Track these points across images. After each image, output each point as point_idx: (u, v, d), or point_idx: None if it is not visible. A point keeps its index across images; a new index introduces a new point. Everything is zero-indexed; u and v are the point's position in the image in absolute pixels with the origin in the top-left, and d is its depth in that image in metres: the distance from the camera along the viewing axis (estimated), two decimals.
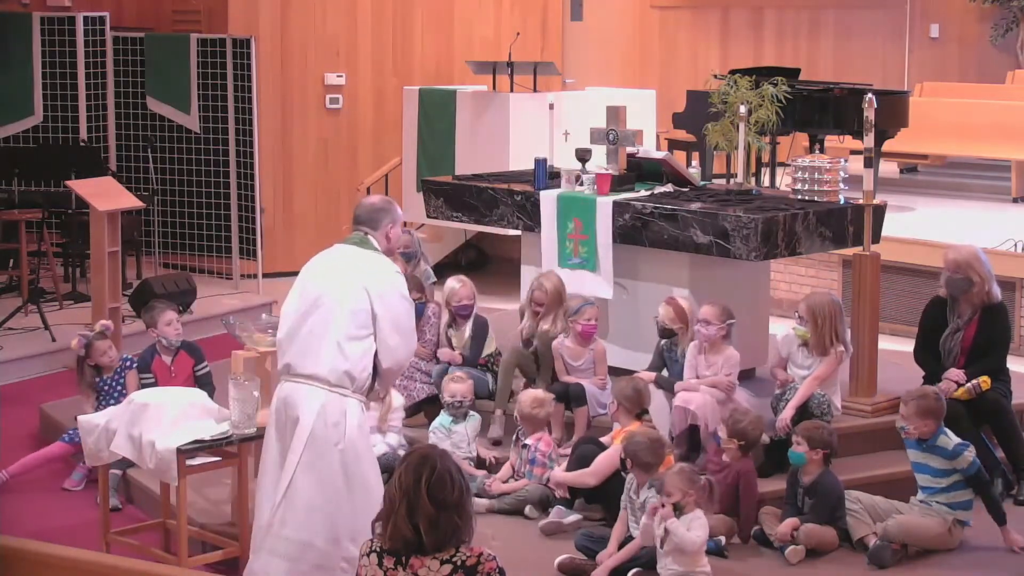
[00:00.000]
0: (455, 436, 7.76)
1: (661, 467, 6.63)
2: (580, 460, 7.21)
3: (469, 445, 7.79)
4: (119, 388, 8.09)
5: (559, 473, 7.26)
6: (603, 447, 7.22)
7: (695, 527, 6.25)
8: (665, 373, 7.81)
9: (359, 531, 5.79)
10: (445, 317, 8.34)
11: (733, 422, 7.03)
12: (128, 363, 8.26)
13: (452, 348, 8.40)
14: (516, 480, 7.50)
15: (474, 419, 7.88)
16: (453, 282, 8.34)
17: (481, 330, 8.33)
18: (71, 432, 7.96)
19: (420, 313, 8.43)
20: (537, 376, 8.07)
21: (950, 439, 6.88)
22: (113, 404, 7.88)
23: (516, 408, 7.62)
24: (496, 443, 7.93)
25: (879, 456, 7.70)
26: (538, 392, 7.64)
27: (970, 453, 6.85)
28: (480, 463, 7.78)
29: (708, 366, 7.56)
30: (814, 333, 7.54)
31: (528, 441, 7.51)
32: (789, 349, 7.74)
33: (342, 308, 5.86)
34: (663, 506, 6.28)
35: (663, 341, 7.86)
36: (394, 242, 6.15)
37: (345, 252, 6.06)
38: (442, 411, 7.90)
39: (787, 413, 7.38)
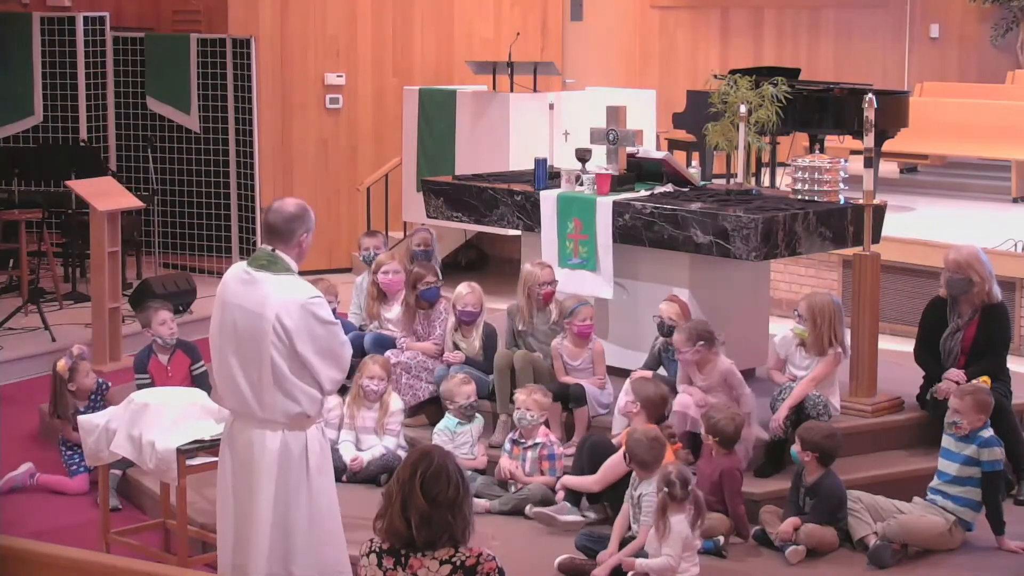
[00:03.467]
0: (460, 438, 7.75)
1: (666, 459, 6.66)
2: (591, 451, 7.20)
3: (472, 448, 7.77)
4: (99, 409, 8.14)
5: (564, 477, 7.28)
6: (610, 444, 7.23)
7: (670, 543, 6.28)
8: (662, 372, 7.81)
9: (338, 559, 5.71)
10: (451, 321, 8.30)
11: (707, 417, 7.04)
12: (104, 387, 8.31)
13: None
14: (513, 487, 7.50)
15: (478, 420, 7.88)
16: (463, 287, 8.25)
17: (492, 340, 8.29)
18: (79, 460, 7.96)
19: (434, 298, 8.40)
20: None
21: (989, 431, 6.90)
22: None
23: (518, 400, 7.60)
24: (497, 447, 7.91)
25: (879, 456, 7.69)
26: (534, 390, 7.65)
27: (1001, 450, 6.88)
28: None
29: (704, 379, 7.52)
30: (812, 332, 7.53)
31: (539, 439, 7.50)
32: (787, 350, 7.73)
33: (271, 355, 5.45)
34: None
35: (659, 341, 7.86)
36: (306, 249, 5.66)
37: (256, 280, 5.55)
38: (446, 414, 7.87)
39: (780, 413, 7.38)
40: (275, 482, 5.55)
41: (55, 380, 8.21)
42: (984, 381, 7.51)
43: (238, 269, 5.67)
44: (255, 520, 5.58)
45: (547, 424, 7.64)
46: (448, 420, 7.82)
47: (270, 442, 5.54)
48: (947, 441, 6.99)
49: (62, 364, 8.14)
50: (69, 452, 8.10)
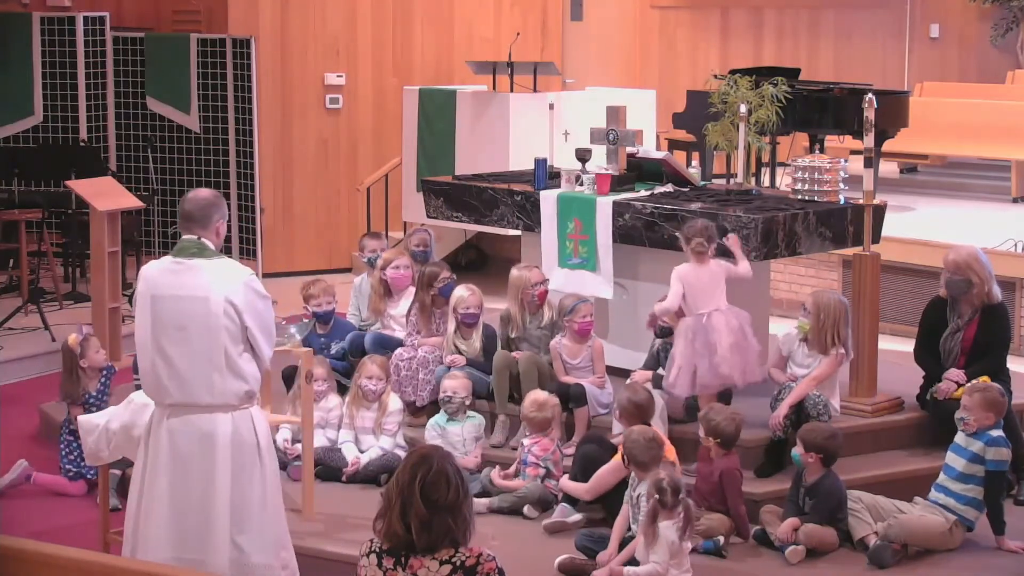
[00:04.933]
0: (451, 436, 7.72)
1: (664, 457, 6.66)
2: (583, 460, 7.20)
3: (464, 445, 7.73)
4: (105, 398, 8.13)
5: (562, 480, 7.28)
6: (607, 446, 7.23)
7: (657, 550, 6.26)
8: (661, 372, 7.81)
9: (282, 533, 5.85)
10: (452, 325, 8.26)
11: (707, 419, 7.03)
12: (112, 371, 8.31)
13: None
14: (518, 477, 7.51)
15: (472, 421, 7.85)
16: (462, 290, 8.23)
17: (492, 341, 8.27)
18: (79, 464, 7.95)
19: (451, 293, 8.36)
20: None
21: (999, 432, 6.88)
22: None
23: (520, 409, 7.61)
24: (497, 447, 7.90)
25: (879, 456, 7.69)
26: (539, 394, 7.60)
27: (1008, 451, 6.86)
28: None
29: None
30: (814, 327, 7.51)
31: (524, 441, 7.51)
32: (790, 348, 7.72)
33: (219, 334, 5.61)
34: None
35: (657, 342, 7.85)
36: (221, 237, 5.88)
37: (192, 267, 5.73)
38: (441, 410, 7.88)
39: (781, 411, 7.37)
40: (231, 465, 5.66)
41: (66, 357, 8.20)
42: (984, 381, 7.52)
43: (164, 262, 5.84)
44: (214, 507, 5.65)
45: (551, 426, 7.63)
46: (439, 416, 7.83)
47: (221, 426, 5.66)
48: (958, 437, 6.98)
49: (73, 338, 8.15)
50: (69, 451, 8.07)
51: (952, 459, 6.95)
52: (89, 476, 7.88)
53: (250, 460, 5.71)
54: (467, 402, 7.83)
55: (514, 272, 8.22)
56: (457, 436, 7.75)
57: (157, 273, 5.80)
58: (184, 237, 5.84)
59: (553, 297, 8.23)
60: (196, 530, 5.68)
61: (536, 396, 7.56)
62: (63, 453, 8.12)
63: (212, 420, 5.66)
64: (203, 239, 5.80)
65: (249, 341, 5.69)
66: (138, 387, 7.81)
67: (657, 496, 6.27)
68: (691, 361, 7.49)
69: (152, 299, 5.74)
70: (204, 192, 5.98)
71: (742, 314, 7.63)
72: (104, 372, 8.23)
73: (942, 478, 6.98)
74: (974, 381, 7.23)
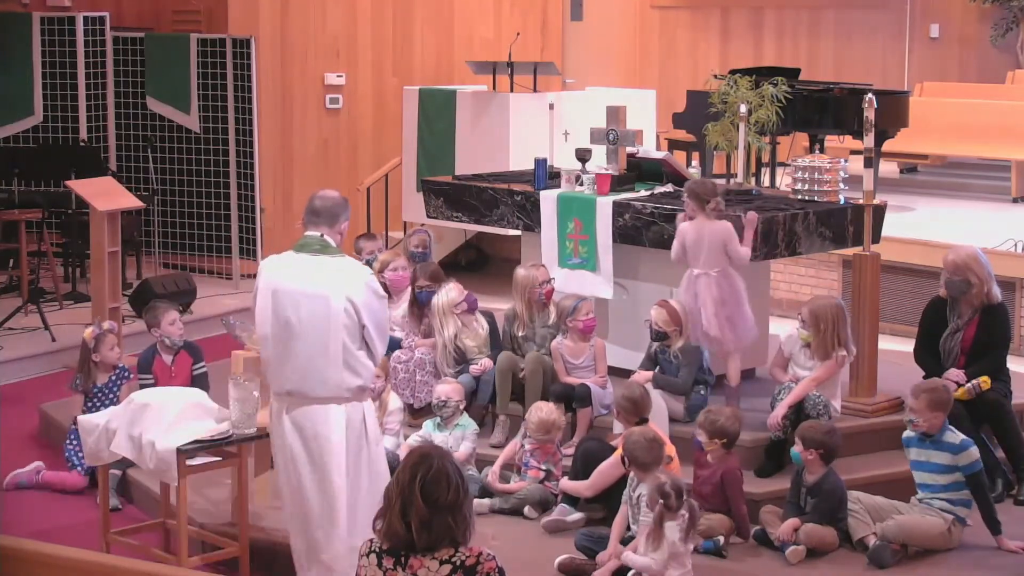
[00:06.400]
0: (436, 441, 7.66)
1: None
2: (584, 457, 7.20)
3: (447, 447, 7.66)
4: (112, 396, 8.09)
5: (562, 481, 7.28)
6: (607, 445, 7.23)
7: (660, 549, 6.25)
8: (659, 372, 7.81)
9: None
10: (451, 328, 8.18)
11: (710, 422, 7.02)
12: (125, 373, 8.26)
13: (466, 354, 8.15)
14: (517, 477, 7.50)
15: (461, 428, 7.72)
16: (450, 291, 8.17)
17: (494, 323, 8.27)
18: (80, 461, 7.94)
19: (426, 301, 8.34)
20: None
21: (956, 435, 6.88)
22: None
23: (525, 423, 7.57)
24: (497, 447, 7.89)
25: (879, 456, 7.69)
26: (546, 415, 7.45)
27: (975, 451, 6.86)
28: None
29: None
30: (816, 338, 7.51)
31: (525, 445, 7.50)
32: (792, 349, 7.72)
33: (338, 329, 5.80)
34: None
35: (654, 344, 7.84)
36: (344, 237, 6.04)
37: (314, 263, 5.90)
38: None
39: (779, 411, 7.37)
40: (345, 455, 5.86)
41: (82, 349, 8.23)
42: (984, 381, 7.53)
43: (286, 257, 5.99)
44: (331, 494, 5.88)
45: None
46: (429, 424, 7.80)
47: (335, 418, 5.86)
48: (913, 452, 6.96)
49: (89, 332, 8.18)
50: (75, 445, 8.06)
51: (922, 476, 6.92)
52: (81, 467, 7.89)
53: (358, 451, 5.91)
54: (460, 407, 7.79)
55: (520, 271, 8.21)
56: (443, 443, 7.63)
57: (277, 268, 5.97)
58: (307, 233, 5.97)
59: (556, 296, 8.23)
60: (319, 518, 5.90)
61: (542, 417, 7.43)
62: (69, 452, 8.10)
63: (326, 411, 5.86)
64: (326, 236, 5.92)
65: (364, 338, 5.86)
66: (142, 387, 7.85)
67: (662, 500, 6.25)
68: (693, 313, 7.68)
69: (273, 293, 5.90)
70: (333, 192, 6.11)
71: (733, 284, 7.65)
72: (116, 371, 8.22)
73: (922, 494, 6.95)
74: (920, 381, 7.23)
